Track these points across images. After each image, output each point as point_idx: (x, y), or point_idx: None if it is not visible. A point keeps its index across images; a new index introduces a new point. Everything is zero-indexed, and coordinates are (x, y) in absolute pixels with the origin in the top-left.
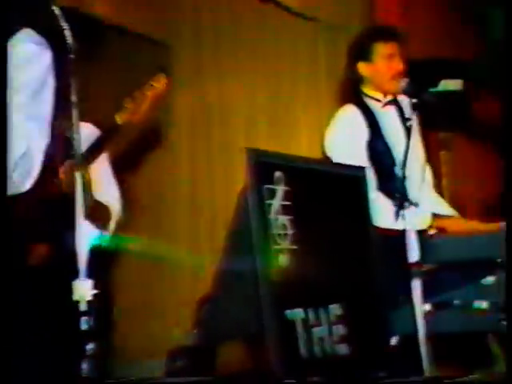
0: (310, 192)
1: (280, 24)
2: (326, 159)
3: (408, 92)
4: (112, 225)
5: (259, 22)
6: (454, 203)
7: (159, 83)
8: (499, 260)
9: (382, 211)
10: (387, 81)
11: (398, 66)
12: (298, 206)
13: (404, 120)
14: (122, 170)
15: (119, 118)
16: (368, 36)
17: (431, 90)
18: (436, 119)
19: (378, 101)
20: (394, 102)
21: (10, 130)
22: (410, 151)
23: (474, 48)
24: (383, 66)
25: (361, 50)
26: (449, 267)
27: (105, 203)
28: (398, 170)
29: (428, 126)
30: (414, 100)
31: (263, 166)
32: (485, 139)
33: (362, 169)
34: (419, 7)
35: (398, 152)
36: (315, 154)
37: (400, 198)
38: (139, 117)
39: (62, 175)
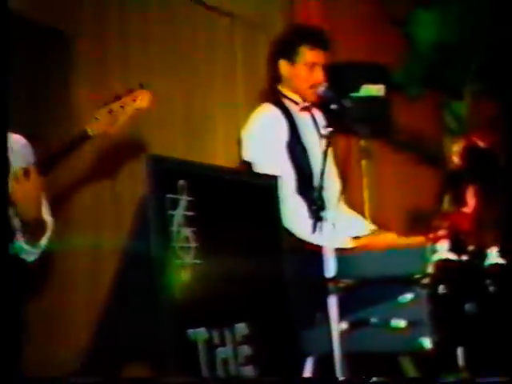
0: (217, 202)
1: (194, 18)
2: (242, 165)
3: (327, 97)
4: (45, 240)
5: (169, 14)
6: (375, 215)
7: (143, 101)
8: (417, 276)
9: (300, 220)
10: (305, 89)
11: (319, 76)
12: (202, 217)
13: (318, 129)
14: None
15: (90, 129)
16: (297, 35)
17: (352, 95)
18: (356, 126)
19: (296, 103)
20: (311, 108)
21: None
22: (327, 162)
23: (398, 53)
24: (304, 72)
25: (285, 48)
26: (366, 283)
27: (41, 218)
28: (315, 180)
29: (348, 134)
30: (333, 105)
31: (165, 173)
32: (408, 148)
33: (273, 178)
34: (341, 9)
35: (314, 161)
36: (232, 157)
37: (317, 209)
38: (115, 130)
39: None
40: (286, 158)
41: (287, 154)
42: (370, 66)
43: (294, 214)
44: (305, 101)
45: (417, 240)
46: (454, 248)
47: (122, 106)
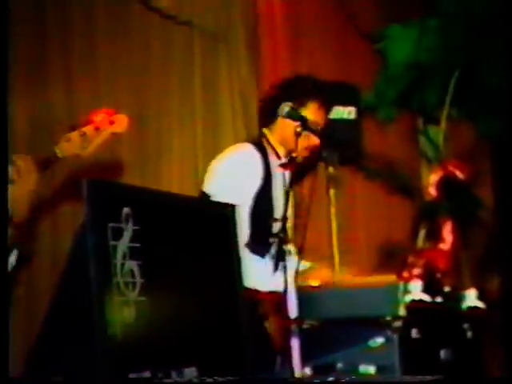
0: (166, 232)
1: (148, 28)
2: (200, 194)
3: (292, 118)
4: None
5: (120, 25)
6: (343, 249)
7: (120, 125)
8: (389, 318)
9: (255, 273)
10: (298, 150)
11: (316, 140)
12: (149, 249)
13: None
14: None
15: (59, 151)
16: (313, 87)
17: None
18: (324, 152)
19: (278, 157)
20: (292, 166)
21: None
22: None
23: (369, 72)
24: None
25: (295, 95)
26: (332, 325)
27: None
28: (275, 234)
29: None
30: (298, 128)
31: (107, 199)
32: (380, 176)
33: (230, 206)
34: (307, 23)
35: (277, 216)
36: (188, 183)
37: (280, 242)
38: (88, 152)
39: None
40: (246, 207)
41: (252, 203)
42: (339, 86)
43: (249, 268)
44: (290, 158)
45: (388, 278)
46: (429, 288)
47: (96, 129)
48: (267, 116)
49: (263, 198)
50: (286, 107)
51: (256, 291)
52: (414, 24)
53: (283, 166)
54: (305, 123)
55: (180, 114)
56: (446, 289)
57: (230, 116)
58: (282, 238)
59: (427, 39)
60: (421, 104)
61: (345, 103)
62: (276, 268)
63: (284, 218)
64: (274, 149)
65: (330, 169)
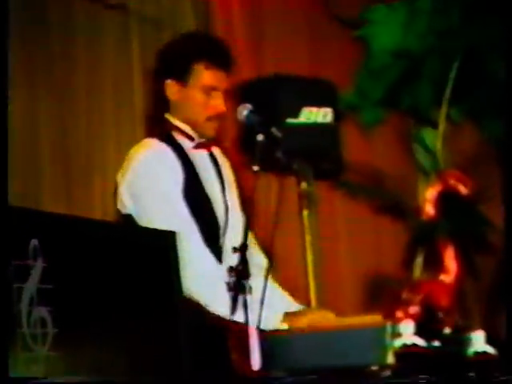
0: (85, 269)
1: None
2: (121, 218)
3: (250, 124)
4: None
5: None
6: (321, 284)
7: None
8: (375, 368)
9: (211, 287)
10: (201, 122)
11: (219, 105)
12: (64, 291)
13: (220, 171)
14: None
15: None
16: (189, 48)
17: (287, 121)
18: (294, 164)
19: (190, 138)
20: (209, 144)
21: None
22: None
23: (348, 64)
24: (199, 98)
25: (174, 64)
26: (305, 376)
27: None
28: (219, 237)
29: (281, 174)
30: (260, 137)
31: (10, 230)
32: (364, 192)
33: (167, 234)
34: (271, 6)
35: (220, 214)
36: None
37: (238, 277)
38: None
39: None
40: (183, 207)
41: (185, 203)
42: (311, 82)
43: (203, 278)
44: (201, 135)
45: (375, 318)
46: (425, 329)
47: None
48: (159, 98)
49: (194, 195)
50: (243, 110)
51: (220, 318)
52: (402, 4)
53: (199, 146)
54: (268, 130)
55: (116, 118)
56: (447, 330)
57: None
58: (241, 272)
59: (418, 22)
60: (413, 102)
61: (319, 103)
62: (234, 304)
63: (243, 247)
64: (182, 131)
65: (303, 185)
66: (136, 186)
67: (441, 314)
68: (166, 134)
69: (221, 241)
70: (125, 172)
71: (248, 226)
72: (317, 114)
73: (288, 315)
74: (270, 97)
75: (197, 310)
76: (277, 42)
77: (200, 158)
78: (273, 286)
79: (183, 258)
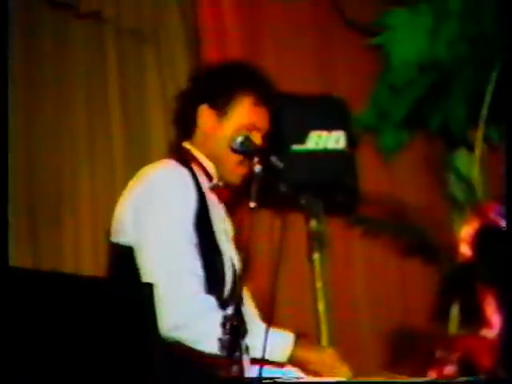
0: (52, 327)
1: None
2: (114, 251)
3: (245, 152)
4: None
5: None
6: (337, 338)
7: None
8: None
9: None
10: (230, 164)
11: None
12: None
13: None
14: None
15: None
16: (237, 75)
17: (293, 148)
18: (302, 198)
19: (208, 176)
20: (227, 192)
21: None
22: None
23: (364, 79)
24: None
25: (217, 89)
26: None
27: None
28: (228, 284)
29: (284, 211)
30: (257, 168)
31: None
32: (386, 229)
33: (144, 286)
34: (271, 12)
35: (225, 255)
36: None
37: (234, 331)
38: None
39: None
40: (194, 238)
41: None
42: (320, 101)
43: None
44: (223, 179)
45: (402, 379)
46: None
47: None
48: (185, 122)
49: (203, 230)
50: (239, 136)
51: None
52: (427, 7)
53: (216, 188)
54: (266, 159)
55: (90, 147)
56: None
57: (161, 135)
58: (237, 329)
59: (447, 27)
60: (443, 122)
61: (329, 126)
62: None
63: (238, 299)
64: (202, 167)
65: (313, 223)
66: (145, 197)
67: (483, 375)
68: (184, 160)
69: (227, 295)
70: (133, 187)
71: (242, 275)
72: (327, 139)
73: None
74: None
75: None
76: (278, 55)
77: (214, 200)
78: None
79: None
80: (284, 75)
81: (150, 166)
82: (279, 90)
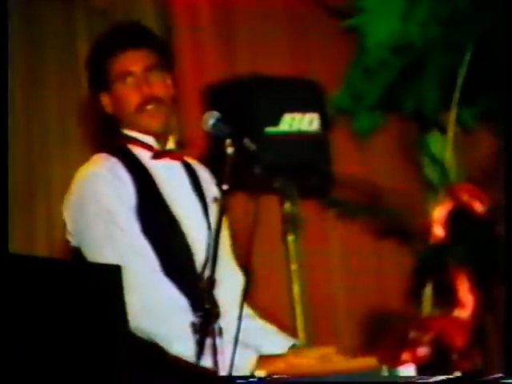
0: (18, 310)
1: None
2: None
3: (217, 133)
4: None
5: None
6: (311, 321)
7: None
8: None
9: (167, 321)
10: (132, 116)
11: (144, 87)
12: None
13: (197, 185)
14: None
15: None
16: (100, 47)
17: (267, 130)
18: (275, 181)
19: (148, 147)
20: (173, 153)
21: None
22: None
23: (338, 61)
24: (120, 93)
25: (95, 74)
26: None
27: None
28: (195, 265)
29: (258, 193)
30: (229, 150)
31: None
32: (360, 212)
33: (112, 269)
34: (244, 4)
35: (192, 236)
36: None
37: (205, 317)
38: None
39: None
40: (133, 229)
41: (140, 225)
42: (294, 83)
43: (157, 309)
44: (160, 138)
45: (366, 362)
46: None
47: None
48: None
49: (152, 215)
50: (209, 118)
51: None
52: None
53: (158, 155)
54: (239, 141)
55: (61, 130)
56: (456, 373)
57: None
58: (209, 312)
59: (420, 9)
60: (416, 105)
61: (303, 108)
62: (201, 348)
63: (210, 281)
64: (137, 142)
65: (287, 205)
66: (78, 209)
67: (455, 356)
68: (119, 147)
69: (201, 270)
70: (68, 196)
71: (215, 256)
72: (301, 121)
73: (267, 358)
74: (245, 101)
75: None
76: (251, 36)
77: (166, 170)
78: (253, 318)
79: (132, 288)
80: (258, 58)
81: (80, 169)
82: (253, 71)
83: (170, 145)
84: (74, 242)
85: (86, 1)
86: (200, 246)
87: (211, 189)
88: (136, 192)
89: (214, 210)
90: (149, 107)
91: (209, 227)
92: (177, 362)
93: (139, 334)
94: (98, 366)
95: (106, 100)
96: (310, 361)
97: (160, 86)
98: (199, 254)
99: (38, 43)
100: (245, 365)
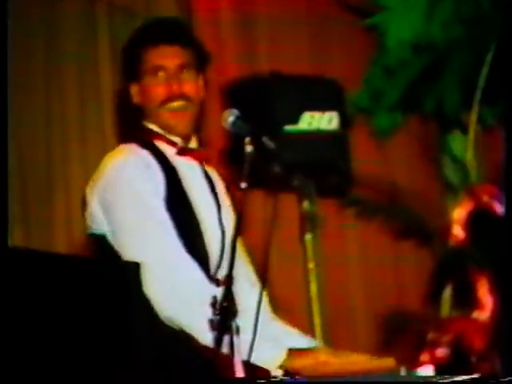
0: (38, 306)
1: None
2: (91, 238)
3: (237, 132)
4: None
5: None
6: (328, 322)
7: None
8: None
9: (195, 305)
10: (155, 111)
11: (174, 84)
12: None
13: (213, 186)
14: None
15: None
16: (135, 38)
17: (285, 129)
18: (294, 179)
19: (172, 144)
20: (195, 152)
21: None
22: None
23: (358, 60)
24: (153, 86)
25: (128, 64)
26: None
27: None
28: (214, 265)
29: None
30: (249, 148)
31: None
32: (379, 212)
33: (131, 267)
34: (264, 2)
35: (209, 235)
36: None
37: (223, 315)
38: None
39: None
40: (167, 219)
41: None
42: (314, 82)
43: (185, 291)
44: (184, 136)
45: (384, 363)
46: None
47: None
48: (131, 107)
49: (178, 211)
50: (229, 116)
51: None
52: None
53: (182, 151)
54: (258, 140)
55: (81, 123)
56: (476, 375)
57: None
58: (227, 309)
59: (442, 8)
60: (437, 104)
61: (323, 107)
62: (218, 347)
63: (229, 279)
64: (162, 137)
65: (305, 204)
66: (108, 195)
67: (474, 358)
68: (146, 141)
69: (213, 272)
70: (96, 181)
71: (234, 254)
72: (320, 120)
73: (297, 352)
74: (264, 99)
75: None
76: (272, 35)
77: (188, 169)
78: (270, 315)
79: (158, 270)
80: (278, 56)
81: (109, 155)
82: (273, 70)
83: (193, 143)
84: (98, 227)
85: None
86: (214, 249)
87: (224, 198)
88: (165, 184)
89: (226, 213)
90: (175, 104)
91: (222, 233)
92: (205, 351)
93: (168, 324)
94: (115, 361)
95: (134, 90)
96: (337, 360)
97: (191, 85)
98: (213, 257)
99: (59, 40)
100: (274, 359)
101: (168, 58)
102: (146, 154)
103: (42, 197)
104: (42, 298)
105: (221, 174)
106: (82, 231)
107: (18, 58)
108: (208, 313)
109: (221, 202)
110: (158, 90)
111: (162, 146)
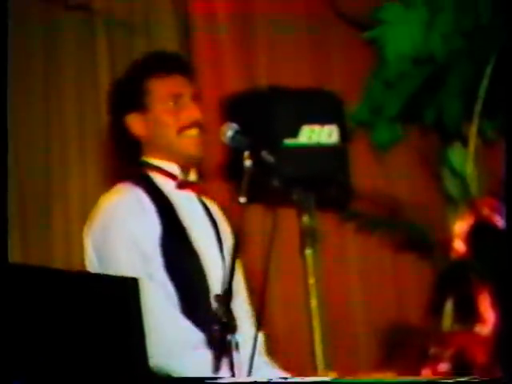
0: (36, 321)
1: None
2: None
3: (236, 147)
4: None
5: None
6: (329, 336)
7: None
8: None
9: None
10: (173, 139)
11: (191, 111)
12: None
13: (211, 216)
14: None
15: None
16: (139, 67)
17: (285, 142)
18: (294, 193)
19: (171, 176)
20: (196, 185)
21: None
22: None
23: (358, 74)
24: (166, 114)
25: (129, 93)
26: None
27: None
28: (211, 293)
29: (276, 206)
30: (248, 162)
31: None
32: (380, 225)
33: (129, 281)
34: (264, 17)
35: (208, 266)
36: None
37: (222, 330)
38: None
39: None
40: (160, 265)
41: (162, 258)
42: (313, 95)
43: (180, 345)
44: (184, 166)
45: (385, 377)
46: None
47: None
48: (125, 141)
49: (175, 248)
50: (227, 130)
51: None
52: (422, 0)
53: (182, 185)
54: (257, 154)
55: (80, 142)
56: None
57: None
58: (226, 325)
59: (442, 20)
60: (437, 117)
61: (322, 120)
62: (217, 364)
63: (227, 294)
64: (161, 170)
65: (305, 218)
66: (102, 236)
67: (477, 372)
68: (142, 176)
69: (216, 290)
70: (91, 223)
71: (233, 270)
72: (320, 133)
73: None
74: (263, 113)
75: None
76: (271, 49)
77: (186, 202)
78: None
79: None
80: (277, 70)
81: (104, 196)
82: (272, 83)
83: (192, 176)
84: (94, 269)
85: (106, 10)
86: (215, 282)
87: (225, 227)
88: (160, 224)
89: (227, 247)
90: (193, 132)
91: (223, 263)
92: None
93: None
94: (114, 377)
95: (135, 121)
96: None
97: (200, 112)
98: (214, 290)
99: (59, 53)
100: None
101: (184, 86)
102: (140, 193)
103: (40, 218)
104: (42, 314)
105: (219, 205)
106: (81, 252)
107: (17, 70)
108: (198, 357)
109: (221, 234)
110: (173, 119)
111: (158, 179)
